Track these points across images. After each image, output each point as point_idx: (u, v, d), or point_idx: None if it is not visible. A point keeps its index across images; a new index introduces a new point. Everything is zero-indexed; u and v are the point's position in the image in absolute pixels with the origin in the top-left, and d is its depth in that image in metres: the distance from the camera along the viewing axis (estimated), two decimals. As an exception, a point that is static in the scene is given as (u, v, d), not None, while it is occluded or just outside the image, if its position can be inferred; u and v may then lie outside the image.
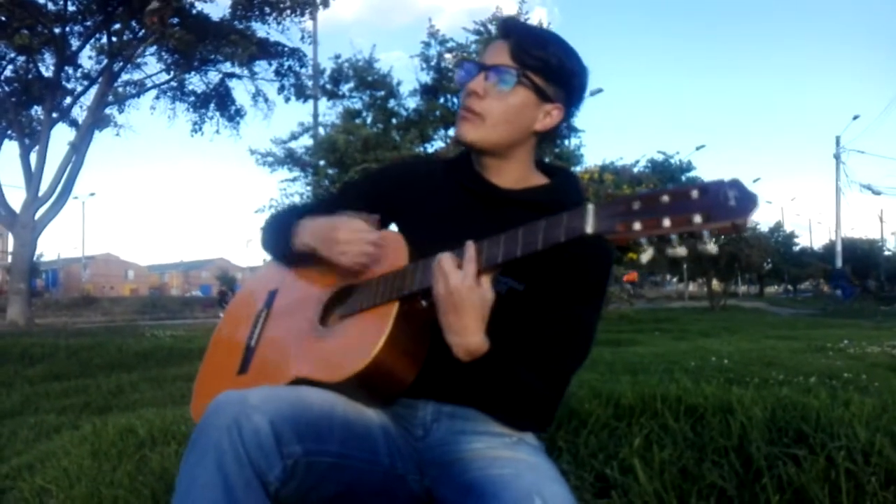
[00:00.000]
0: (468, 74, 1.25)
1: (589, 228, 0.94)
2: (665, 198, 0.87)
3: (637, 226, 0.87)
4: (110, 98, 18.21)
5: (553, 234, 0.99)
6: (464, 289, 1.06)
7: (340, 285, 1.29)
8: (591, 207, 0.95)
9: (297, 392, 1.13)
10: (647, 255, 0.88)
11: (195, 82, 19.52)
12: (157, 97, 19.42)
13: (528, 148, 1.30)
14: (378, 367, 1.13)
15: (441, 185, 1.34)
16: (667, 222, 0.85)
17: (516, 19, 1.27)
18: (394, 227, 1.38)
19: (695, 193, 0.85)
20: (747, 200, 0.81)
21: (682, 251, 0.86)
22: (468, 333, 1.08)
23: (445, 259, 1.09)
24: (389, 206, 1.36)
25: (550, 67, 1.21)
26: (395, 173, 1.43)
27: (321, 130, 12.76)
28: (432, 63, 12.38)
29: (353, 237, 1.24)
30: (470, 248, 1.08)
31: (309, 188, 12.04)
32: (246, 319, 1.45)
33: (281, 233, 1.39)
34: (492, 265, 1.07)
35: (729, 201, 0.82)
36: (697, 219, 0.83)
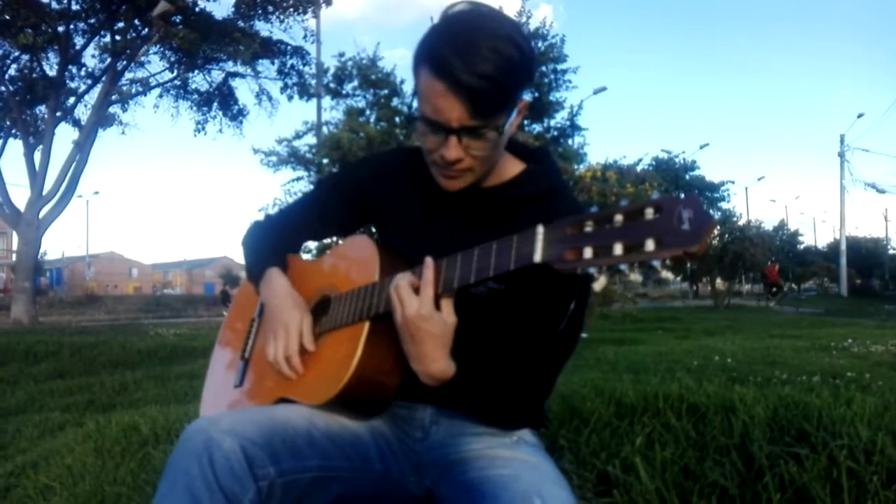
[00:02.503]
0: (435, 138, 1.11)
1: (538, 257, 0.89)
2: (619, 217, 0.82)
3: (588, 253, 0.83)
4: (114, 97, 18.24)
5: (503, 260, 0.94)
6: (420, 319, 1.02)
7: (320, 295, 1.29)
8: (540, 231, 0.90)
9: (269, 412, 1.13)
10: (599, 284, 0.84)
11: (198, 81, 19.58)
12: (161, 96, 19.48)
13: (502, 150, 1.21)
14: (355, 388, 1.13)
15: (416, 182, 1.26)
16: (618, 249, 0.80)
17: (458, 55, 1.02)
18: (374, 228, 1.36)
19: (649, 212, 0.80)
20: (701, 223, 0.76)
21: (636, 278, 0.82)
22: (428, 362, 1.05)
23: (402, 286, 1.04)
24: (366, 206, 1.33)
25: (511, 98, 1.08)
26: (369, 170, 1.35)
27: (325, 129, 12.75)
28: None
29: (282, 341, 1.22)
30: (429, 269, 1.03)
31: (312, 187, 12.00)
32: (242, 327, 1.47)
33: (254, 267, 1.39)
34: (449, 290, 1.02)
35: (682, 224, 0.76)
36: (650, 245, 0.78)
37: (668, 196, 0.80)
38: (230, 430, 1.03)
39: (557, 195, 1.22)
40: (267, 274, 1.33)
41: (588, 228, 0.85)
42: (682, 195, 0.80)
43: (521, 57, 1.06)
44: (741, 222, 26.61)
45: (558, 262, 0.86)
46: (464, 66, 1.02)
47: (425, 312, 1.02)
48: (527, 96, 1.16)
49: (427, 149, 1.15)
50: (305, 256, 1.45)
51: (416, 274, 1.05)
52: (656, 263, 0.78)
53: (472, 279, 0.99)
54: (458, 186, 1.17)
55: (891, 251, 44.00)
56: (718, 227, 24.58)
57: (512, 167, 1.24)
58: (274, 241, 1.40)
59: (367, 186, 1.33)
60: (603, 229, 0.83)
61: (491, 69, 1.02)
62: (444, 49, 1.04)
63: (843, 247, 34.34)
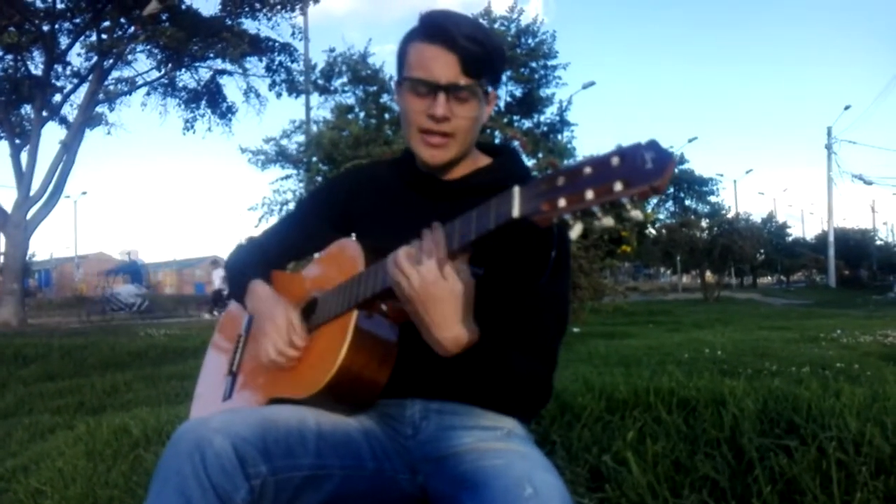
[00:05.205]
0: (424, 96, 1.20)
1: (516, 212, 0.94)
2: (587, 169, 0.88)
3: (562, 202, 0.88)
4: (101, 96, 18.08)
5: (483, 222, 0.98)
6: (429, 284, 1.03)
7: (307, 298, 1.32)
8: (516, 190, 0.95)
9: (261, 412, 1.14)
10: (575, 231, 0.89)
11: (186, 79, 19.45)
12: (148, 94, 19.34)
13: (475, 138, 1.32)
14: (345, 376, 1.14)
15: (389, 186, 1.36)
16: (590, 194, 0.86)
17: (449, 20, 1.19)
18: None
19: (615, 161, 0.85)
20: (663, 161, 0.82)
21: (608, 222, 0.87)
22: (449, 325, 1.05)
23: (402, 258, 1.05)
24: (344, 217, 1.39)
25: (494, 68, 1.24)
26: (345, 184, 1.44)
27: (314, 127, 12.70)
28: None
29: (273, 336, 1.25)
30: (427, 239, 1.06)
31: (301, 184, 12.00)
32: (230, 342, 1.49)
33: (237, 284, 1.43)
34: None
35: (646, 164, 0.83)
36: (618, 186, 0.84)
37: (630, 145, 0.86)
38: (221, 429, 1.03)
39: (524, 181, 1.28)
40: (250, 287, 1.37)
41: (560, 182, 0.90)
42: (642, 143, 0.85)
43: (495, 45, 1.23)
44: (730, 215, 26.82)
45: (535, 214, 0.91)
46: (456, 28, 1.17)
47: (434, 276, 1.02)
48: (493, 89, 1.28)
49: (412, 116, 1.22)
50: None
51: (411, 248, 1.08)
52: (625, 201, 0.84)
53: (455, 246, 1.02)
54: (439, 157, 1.24)
55: (878, 242, 44.39)
56: (707, 220, 24.79)
57: (481, 161, 1.34)
58: (257, 259, 1.45)
59: (345, 200, 1.40)
60: (574, 181, 0.89)
61: (478, 35, 1.19)
62: (438, 19, 1.19)
63: (831, 238, 34.60)
